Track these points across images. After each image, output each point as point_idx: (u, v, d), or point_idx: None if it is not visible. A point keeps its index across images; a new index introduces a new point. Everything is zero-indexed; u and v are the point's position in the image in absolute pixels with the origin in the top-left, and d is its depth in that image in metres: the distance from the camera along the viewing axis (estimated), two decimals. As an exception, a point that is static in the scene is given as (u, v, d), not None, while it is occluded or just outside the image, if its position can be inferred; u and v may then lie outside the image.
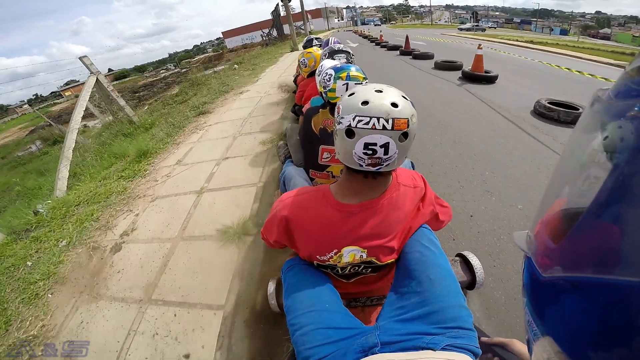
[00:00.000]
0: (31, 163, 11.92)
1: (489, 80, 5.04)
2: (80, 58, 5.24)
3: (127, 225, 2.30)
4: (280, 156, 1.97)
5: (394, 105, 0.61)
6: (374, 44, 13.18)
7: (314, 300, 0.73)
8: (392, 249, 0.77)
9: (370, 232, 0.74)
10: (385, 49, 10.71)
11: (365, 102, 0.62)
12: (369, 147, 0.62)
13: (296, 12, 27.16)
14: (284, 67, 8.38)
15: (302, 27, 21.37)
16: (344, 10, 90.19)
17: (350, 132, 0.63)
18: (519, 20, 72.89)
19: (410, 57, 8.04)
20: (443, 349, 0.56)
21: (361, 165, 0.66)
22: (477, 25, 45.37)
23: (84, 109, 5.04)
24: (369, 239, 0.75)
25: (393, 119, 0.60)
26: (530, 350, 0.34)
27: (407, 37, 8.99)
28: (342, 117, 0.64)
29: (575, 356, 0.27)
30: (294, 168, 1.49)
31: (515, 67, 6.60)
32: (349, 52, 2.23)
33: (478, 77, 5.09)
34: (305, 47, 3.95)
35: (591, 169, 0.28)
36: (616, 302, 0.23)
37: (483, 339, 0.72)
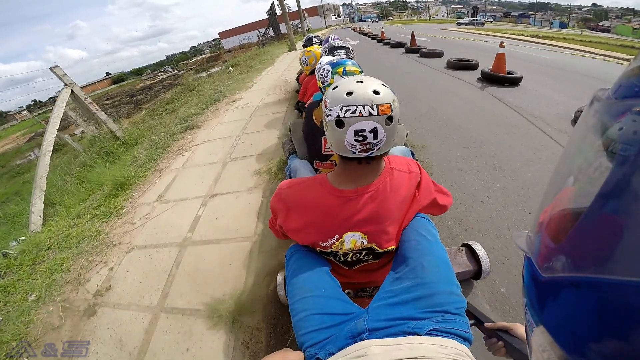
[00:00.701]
0: (30, 172, 11.79)
1: (513, 82, 4.46)
2: (51, 68, 4.64)
3: (101, 282, 1.90)
4: (285, 152, 1.94)
5: (376, 92, 0.67)
6: (375, 41, 12.52)
7: (312, 286, 0.74)
8: (391, 234, 0.80)
9: (368, 217, 0.77)
10: (389, 46, 10.07)
11: (349, 93, 0.67)
12: (359, 133, 0.67)
13: (292, 10, 26.51)
14: (282, 69, 7.79)
15: (299, 26, 20.71)
16: (341, 7, 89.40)
17: (340, 123, 0.68)
18: (517, 14, 72.07)
19: (418, 55, 7.43)
20: (428, 333, 0.56)
21: (354, 153, 0.70)
22: (475, 20, 44.60)
23: (57, 127, 4.44)
24: (368, 224, 0.77)
25: (377, 105, 0.65)
26: (530, 350, 0.34)
27: (412, 34, 8.39)
28: (330, 110, 0.69)
29: (575, 356, 0.27)
30: (299, 161, 1.51)
31: (538, 67, 6.01)
32: (349, 48, 2.20)
33: (500, 78, 4.52)
34: (305, 45, 3.92)
35: (591, 170, 0.28)
36: (617, 302, 0.23)
37: (487, 324, 0.72)
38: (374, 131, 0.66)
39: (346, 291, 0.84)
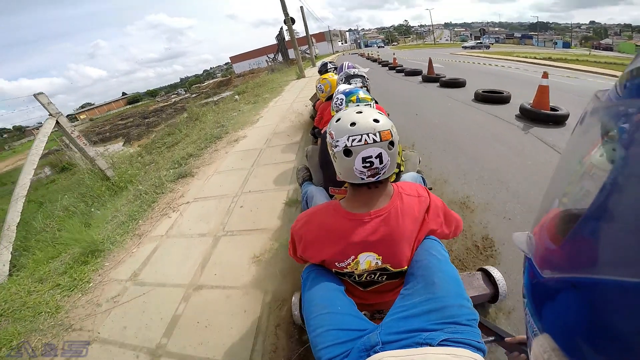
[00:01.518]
0: (37, 191, 11.82)
1: (558, 120, 3.76)
2: (35, 96, 4.19)
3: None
4: (298, 179, 1.93)
5: (376, 120, 0.74)
6: (386, 68, 12.10)
7: (327, 303, 0.77)
8: (404, 255, 0.83)
9: (382, 239, 0.81)
10: (403, 74, 9.58)
11: (353, 124, 0.74)
12: (367, 160, 0.73)
13: (301, 36, 27.16)
14: (290, 100, 7.34)
15: (308, 52, 20.97)
16: (347, 33, 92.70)
17: (347, 152, 0.74)
18: (519, 35, 73.16)
19: (438, 84, 6.88)
20: (440, 344, 0.57)
21: (362, 179, 0.76)
22: (481, 43, 45.10)
23: (35, 166, 3.92)
24: (382, 245, 0.81)
25: (379, 132, 0.73)
26: (530, 349, 0.35)
27: (430, 61, 7.85)
28: (337, 141, 0.75)
29: (574, 356, 0.26)
30: (314, 187, 1.54)
31: (578, 98, 5.33)
32: (364, 76, 2.27)
33: (544, 116, 3.84)
34: (320, 71, 3.98)
35: (591, 170, 0.28)
36: (616, 302, 0.23)
37: (508, 339, 0.72)
38: (380, 156, 0.74)
39: (362, 313, 0.82)
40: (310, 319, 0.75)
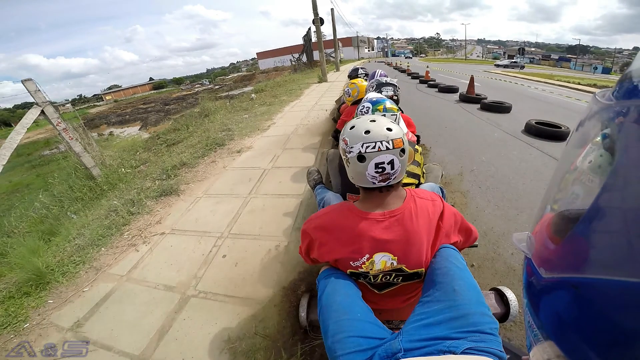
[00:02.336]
0: (49, 165, 11.81)
1: None
2: (23, 82, 3.69)
3: None
4: (310, 181, 1.84)
5: (389, 129, 0.77)
6: (417, 81, 11.17)
7: (347, 309, 0.76)
8: (420, 257, 0.82)
9: (397, 239, 0.81)
10: (436, 89, 8.64)
11: (367, 132, 0.77)
12: (379, 166, 0.77)
13: (327, 39, 26.63)
14: (309, 105, 6.64)
15: (333, 55, 20.32)
16: (375, 40, 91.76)
17: (361, 158, 0.77)
18: (556, 57, 69.83)
19: (478, 107, 5.98)
20: (463, 352, 0.56)
21: (374, 183, 0.80)
22: (515, 62, 43.11)
23: (5, 159, 3.38)
24: (397, 245, 0.81)
25: (392, 140, 0.76)
26: (529, 349, 0.36)
27: (472, 80, 6.90)
28: (351, 147, 0.78)
29: (574, 356, 0.26)
30: (332, 194, 1.51)
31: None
32: (396, 85, 2.24)
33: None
34: (350, 76, 3.88)
35: (590, 170, 0.28)
36: (616, 302, 0.23)
37: (524, 358, 0.59)
38: (392, 163, 0.77)
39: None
40: (329, 323, 0.74)
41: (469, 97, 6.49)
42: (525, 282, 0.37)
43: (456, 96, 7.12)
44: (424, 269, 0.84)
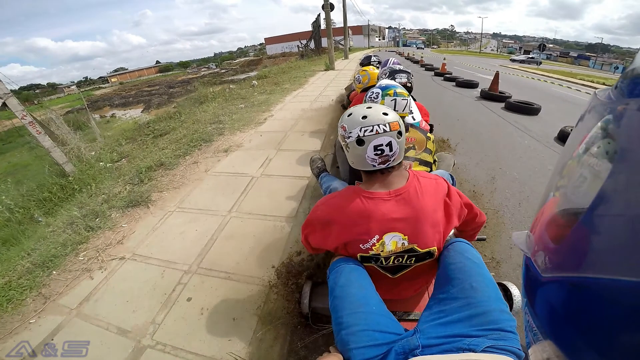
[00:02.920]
0: (38, 149, 11.73)
1: None
2: None
3: None
4: (313, 169, 1.81)
5: (385, 114, 0.81)
6: (432, 73, 10.36)
7: (362, 302, 0.74)
8: (431, 235, 0.82)
9: (405, 217, 0.80)
10: (453, 83, 7.85)
11: (364, 117, 0.80)
12: (378, 148, 0.79)
13: (337, 26, 25.42)
14: (313, 95, 6.01)
15: (342, 43, 19.34)
16: (387, 29, 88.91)
17: (360, 141, 0.80)
18: (575, 55, 67.01)
19: (503, 106, 5.28)
20: (484, 350, 0.55)
21: (374, 166, 0.81)
22: (531, 58, 41.30)
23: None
24: (406, 224, 0.81)
25: (389, 123, 0.79)
26: (529, 349, 0.35)
27: (496, 75, 6.14)
28: (350, 132, 0.81)
29: (573, 355, 0.27)
30: (339, 182, 1.50)
31: None
32: (409, 73, 2.13)
33: None
34: (362, 64, 3.85)
35: (590, 169, 0.28)
36: (616, 302, 0.23)
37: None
38: (390, 144, 0.79)
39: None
40: (342, 315, 0.72)
41: (492, 95, 5.80)
42: (524, 281, 0.39)
43: (476, 92, 6.43)
44: (436, 248, 0.84)
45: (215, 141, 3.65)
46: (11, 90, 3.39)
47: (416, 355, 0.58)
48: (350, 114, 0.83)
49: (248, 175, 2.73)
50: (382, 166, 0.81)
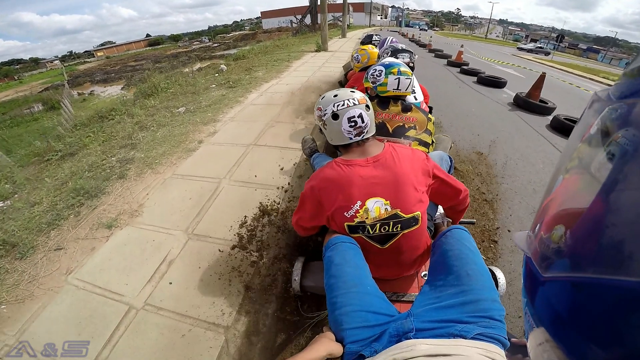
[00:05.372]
0: (19, 127, 11.11)
1: None
2: None
3: None
4: (305, 150, 1.82)
5: (352, 92, 0.96)
6: (444, 62, 8.45)
7: (357, 282, 0.76)
8: (413, 199, 0.86)
9: (384, 182, 0.86)
10: (474, 79, 6.04)
11: (335, 96, 0.95)
12: (352, 120, 0.91)
13: (338, 2, 22.86)
14: (289, 88, 4.24)
15: (340, 19, 17.11)
16: (390, 8, 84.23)
17: (335, 116, 0.92)
18: (584, 47, 64.68)
19: (549, 123, 3.74)
20: (474, 337, 0.57)
21: (350, 138, 0.93)
22: (540, 47, 39.10)
23: None
24: (386, 189, 0.86)
25: (357, 98, 0.93)
26: (529, 349, 0.36)
27: (541, 78, 4.41)
28: (325, 110, 0.95)
29: (574, 354, 0.26)
30: (325, 157, 1.59)
31: None
32: (412, 52, 2.05)
33: None
34: (363, 42, 3.56)
35: (590, 169, 0.28)
36: (617, 302, 0.23)
37: (513, 340, 0.70)
38: (361, 116, 0.91)
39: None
40: (336, 295, 0.73)
41: (531, 104, 4.21)
42: (524, 281, 0.38)
43: (505, 94, 4.85)
44: (420, 213, 0.88)
45: (107, 195, 2.08)
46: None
47: (409, 339, 0.60)
48: (323, 97, 0.99)
49: (124, 301, 1.30)
50: (358, 138, 0.93)
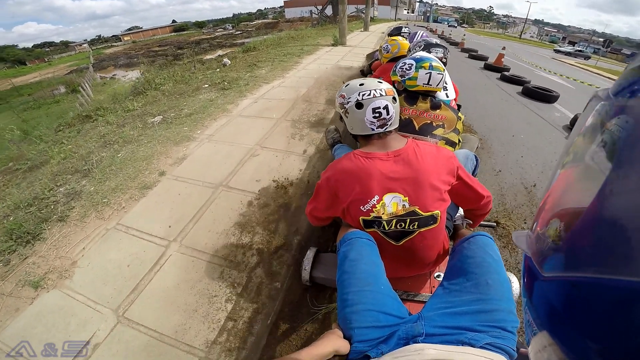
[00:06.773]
0: (40, 109, 11.45)
1: None
2: None
3: None
4: (328, 139, 1.77)
5: (380, 82, 0.91)
6: (481, 65, 7.18)
7: (371, 280, 0.73)
8: (432, 198, 0.83)
9: (404, 177, 0.82)
10: (519, 89, 4.92)
11: (361, 84, 0.90)
12: (376, 111, 0.86)
13: (363, -8, 21.63)
14: (295, 94, 3.46)
15: (364, 11, 15.98)
16: (417, 3, 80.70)
17: (359, 105, 0.87)
18: (628, 52, 59.58)
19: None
20: (482, 347, 0.56)
21: (372, 129, 0.88)
22: (579, 51, 36.01)
23: None
24: (406, 185, 0.82)
25: (384, 89, 0.88)
26: (530, 349, 0.34)
27: None
28: (349, 98, 0.89)
29: (574, 355, 0.26)
30: (347, 148, 1.53)
31: None
32: (445, 48, 2.02)
33: None
34: (391, 34, 3.55)
35: (590, 168, 0.28)
36: (617, 302, 0.23)
37: (522, 350, 0.69)
38: (387, 108, 0.86)
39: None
40: (348, 292, 0.71)
41: None
42: (524, 281, 0.37)
43: (556, 111, 3.88)
44: (439, 212, 0.84)
45: (41, 241, 1.62)
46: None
47: (418, 342, 0.59)
48: (348, 85, 0.93)
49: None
50: (380, 130, 0.88)
